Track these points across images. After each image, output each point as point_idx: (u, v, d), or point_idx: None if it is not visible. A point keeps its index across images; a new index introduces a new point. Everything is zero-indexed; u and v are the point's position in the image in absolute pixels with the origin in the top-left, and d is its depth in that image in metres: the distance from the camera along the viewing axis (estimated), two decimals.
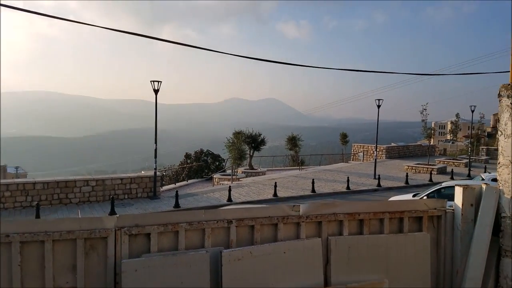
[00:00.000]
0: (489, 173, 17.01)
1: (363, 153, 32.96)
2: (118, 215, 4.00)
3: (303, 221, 4.35)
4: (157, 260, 3.81)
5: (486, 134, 63.58)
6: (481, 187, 4.57)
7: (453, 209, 4.75)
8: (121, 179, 15.77)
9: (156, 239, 3.94)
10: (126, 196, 15.67)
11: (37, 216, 11.94)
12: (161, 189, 18.39)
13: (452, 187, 11.98)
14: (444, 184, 12.18)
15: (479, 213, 4.45)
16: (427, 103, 26.32)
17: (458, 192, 4.62)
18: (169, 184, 25.16)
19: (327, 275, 4.34)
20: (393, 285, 4.43)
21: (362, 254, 4.41)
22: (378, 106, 22.23)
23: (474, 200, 4.57)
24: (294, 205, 4.42)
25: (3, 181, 14.26)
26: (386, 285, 4.37)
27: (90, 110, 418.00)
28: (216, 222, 4.12)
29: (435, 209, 4.77)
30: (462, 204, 4.57)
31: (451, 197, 11.62)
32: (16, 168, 43.83)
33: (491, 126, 76.45)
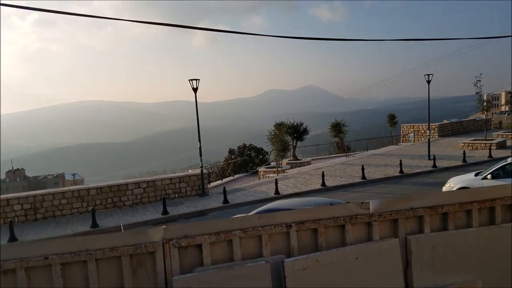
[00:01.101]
0: None
1: (414, 133, 31.21)
2: (164, 226, 3.64)
3: (375, 220, 3.81)
4: (212, 274, 3.45)
5: None
6: None
7: None
8: (171, 179, 16.08)
9: (209, 250, 3.59)
10: (176, 195, 15.97)
11: (93, 221, 12.44)
12: (209, 185, 18.57)
13: None
14: (509, 160, 11.04)
15: None
16: (480, 74, 24.21)
17: None
18: (216, 180, 25.46)
19: (408, 280, 3.80)
20: (487, 286, 3.83)
21: (448, 253, 3.82)
22: (428, 82, 20.75)
23: None
24: (362, 202, 3.88)
25: (59, 189, 15.06)
26: (480, 287, 3.79)
27: (136, 114, 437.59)
28: (273, 227, 3.68)
29: None
30: None
31: None
32: (73, 175, 46.84)
33: None
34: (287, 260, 3.54)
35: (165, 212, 13.51)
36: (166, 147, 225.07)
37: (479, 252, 3.89)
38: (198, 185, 16.46)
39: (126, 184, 15.19)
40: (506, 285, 3.91)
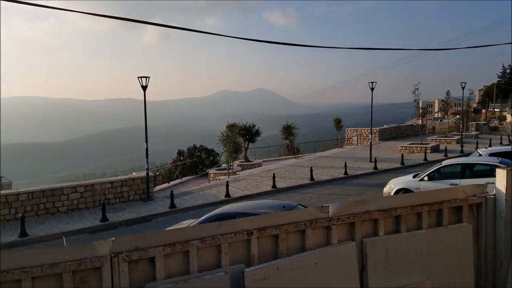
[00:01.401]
0: (485, 148, 16.77)
1: (357, 137, 32.70)
2: (113, 239, 3.23)
3: (334, 224, 3.75)
4: None
5: (472, 110, 64.17)
6: None
7: (494, 195, 4.23)
8: (111, 182, 15.06)
9: (162, 263, 3.26)
10: (117, 200, 14.98)
11: (22, 230, 11.20)
12: (155, 189, 17.74)
13: (452, 165, 11.72)
14: (444, 163, 11.88)
15: None
16: (418, 83, 26.05)
17: (501, 176, 4.09)
18: (162, 183, 24.51)
19: (364, 282, 3.78)
20: (436, 286, 3.93)
21: (401, 255, 3.87)
22: (372, 89, 21.83)
23: None
24: (322, 206, 3.80)
25: None
26: (429, 287, 3.87)
27: (75, 112, 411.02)
28: (233, 235, 3.45)
29: (474, 196, 4.25)
30: (506, 188, 4.04)
31: (451, 175, 11.37)
32: (0, 178, 42.52)
33: (477, 101, 77.26)
34: (247, 270, 3.33)
35: (104, 219, 12.57)
36: (107, 148, 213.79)
37: (429, 253, 3.99)
38: (143, 189, 15.61)
39: (62, 189, 13.93)
40: (453, 284, 4.04)
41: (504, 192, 4.09)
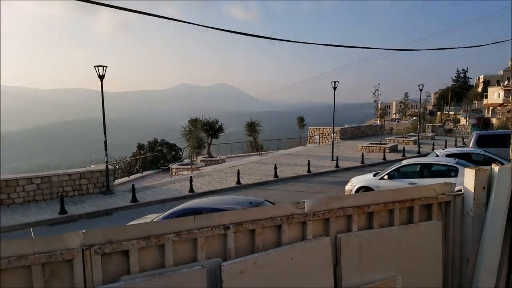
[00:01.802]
0: (442, 148, 17.81)
1: (319, 135, 33.51)
2: (84, 231, 3.12)
3: (309, 219, 3.79)
4: (141, 283, 3.06)
5: (428, 112, 68.09)
6: (491, 168, 4.30)
7: (462, 194, 4.45)
8: (69, 174, 14.39)
9: (137, 257, 3.18)
10: (76, 193, 14.35)
11: None
12: (114, 183, 17.16)
13: (410, 165, 12.37)
14: (403, 163, 12.43)
15: (492, 196, 4.17)
16: (378, 84, 27.09)
17: (470, 175, 4.28)
18: (122, 177, 23.72)
19: (337, 277, 3.86)
20: (406, 281, 4.08)
21: (373, 251, 3.98)
22: (334, 88, 22.43)
23: (486, 182, 4.27)
24: (298, 202, 3.84)
25: None
26: (399, 283, 4.02)
27: (28, 101, 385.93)
28: (210, 229, 3.42)
29: (444, 194, 4.43)
30: (474, 187, 4.23)
31: (410, 175, 11.99)
32: None
33: (432, 104, 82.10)
34: (224, 263, 3.32)
35: (63, 211, 12.03)
36: (62, 139, 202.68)
37: (400, 250, 4.13)
38: (102, 182, 15.06)
39: (17, 180, 13.17)
40: (423, 279, 4.22)
41: (472, 191, 4.26)
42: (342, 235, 3.90)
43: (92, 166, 16.56)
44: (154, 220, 7.58)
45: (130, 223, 8.51)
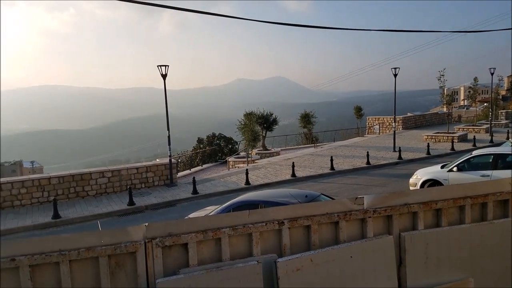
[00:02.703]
0: None
1: (379, 125, 32.09)
2: (147, 224, 3.29)
3: (369, 216, 3.63)
4: (199, 276, 3.16)
5: (501, 97, 61.77)
6: None
7: None
8: (137, 168, 15.44)
9: (195, 250, 3.29)
10: (143, 185, 15.37)
11: (55, 211, 11.72)
12: (177, 175, 18.07)
13: (482, 156, 11.35)
14: (474, 153, 11.45)
15: None
16: (444, 69, 25.15)
17: None
18: (184, 170, 24.90)
19: (402, 278, 3.66)
20: (479, 284, 3.78)
21: (442, 251, 3.72)
22: (395, 75, 21.24)
23: None
24: (357, 198, 3.69)
25: (18, 178, 14.03)
26: (472, 285, 3.73)
27: (99, 101, 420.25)
28: (264, 224, 3.42)
29: None
30: None
31: (482, 166, 11.01)
32: (32, 162, 44.23)
33: (505, 89, 74.31)
34: (280, 260, 3.30)
35: (131, 202, 12.96)
36: (130, 135, 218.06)
37: (472, 250, 3.83)
38: (166, 175, 15.93)
39: (90, 173, 14.42)
40: (498, 283, 3.89)
41: None
42: (407, 234, 3.68)
43: (157, 160, 17.61)
44: (211, 213, 7.85)
45: (191, 214, 8.93)
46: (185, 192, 14.71)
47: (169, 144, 16.30)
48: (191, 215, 8.80)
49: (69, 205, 13.22)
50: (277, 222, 3.46)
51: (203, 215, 8.23)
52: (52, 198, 12.42)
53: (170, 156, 16.17)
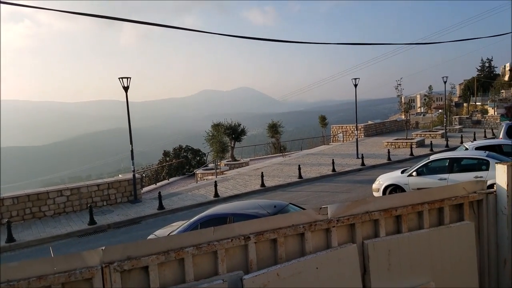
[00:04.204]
0: (471, 141, 17.11)
1: (343, 133, 32.99)
2: (103, 248, 3.08)
3: (333, 226, 3.63)
4: None
5: (454, 104, 65.76)
6: None
7: (494, 191, 4.21)
8: (98, 185, 14.78)
9: (157, 273, 3.11)
10: (105, 203, 14.72)
11: (9, 235, 10.92)
12: (142, 191, 17.51)
13: (439, 160, 11.91)
14: (431, 158, 12.00)
15: None
16: (401, 78, 26.39)
17: (501, 171, 4.02)
18: (149, 185, 24.23)
19: (366, 286, 3.70)
20: (440, 287, 3.88)
21: (403, 257, 3.78)
22: (355, 85, 22.06)
23: None
24: (321, 208, 3.69)
25: None
26: None
27: (58, 115, 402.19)
28: (230, 240, 3.32)
29: (475, 192, 4.19)
30: (507, 184, 3.96)
31: (439, 170, 11.56)
32: None
33: (458, 95, 79.22)
34: (246, 277, 3.22)
35: (92, 222, 12.34)
36: (91, 150, 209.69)
37: (431, 254, 3.93)
38: (130, 191, 15.38)
39: (47, 192, 13.61)
40: (457, 284, 3.99)
41: (506, 188, 4.02)
42: (369, 242, 3.72)
43: (120, 175, 16.97)
44: (178, 229, 7.64)
45: (156, 231, 8.64)
46: (150, 208, 14.26)
47: (132, 158, 15.78)
48: (157, 232, 8.52)
49: (24, 227, 12.39)
50: (243, 238, 3.38)
51: (169, 231, 7.99)
52: (5, 220, 11.56)
53: (133, 171, 15.65)
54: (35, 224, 12.72)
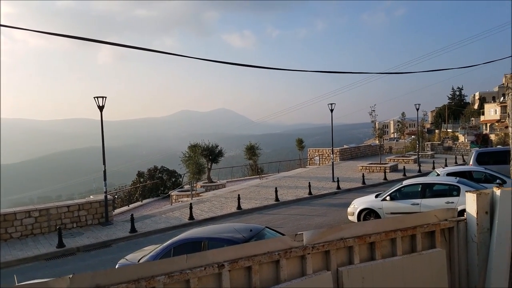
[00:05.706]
0: (443, 167, 17.68)
1: (319, 157, 33.43)
2: (71, 276, 2.94)
3: (308, 253, 3.61)
4: None
5: (426, 130, 68.36)
6: (493, 192, 4.15)
7: (465, 219, 4.32)
8: (68, 206, 14.22)
9: None
10: (74, 225, 14.14)
11: None
12: (114, 213, 16.96)
13: (412, 185, 12.21)
14: (404, 183, 12.28)
15: (496, 221, 4.02)
16: (375, 105, 27.26)
17: (471, 199, 4.12)
18: (121, 206, 23.49)
19: None
20: None
21: (377, 284, 3.79)
22: (331, 110, 22.60)
23: (488, 207, 4.10)
24: (296, 234, 3.67)
25: None
26: None
27: (29, 133, 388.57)
28: (203, 268, 3.24)
29: (446, 220, 4.28)
30: (477, 213, 4.06)
31: (412, 195, 11.84)
32: None
33: (430, 122, 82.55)
34: None
35: (61, 244, 11.79)
36: (63, 169, 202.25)
37: (404, 280, 3.95)
38: (101, 213, 14.86)
39: (14, 213, 12.98)
40: None
41: (475, 216, 4.12)
42: (344, 269, 3.72)
43: (91, 196, 16.40)
44: (150, 253, 7.40)
45: (128, 256, 8.32)
46: (121, 231, 13.78)
47: (105, 179, 15.33)
48: (128, 257, 8.20)
49: None
50: (217, 266, 3.30)
51: (141, 255, 7.72)
52: None
53: (105, 192, 15.17)
54: (1, 247, 12.01)
